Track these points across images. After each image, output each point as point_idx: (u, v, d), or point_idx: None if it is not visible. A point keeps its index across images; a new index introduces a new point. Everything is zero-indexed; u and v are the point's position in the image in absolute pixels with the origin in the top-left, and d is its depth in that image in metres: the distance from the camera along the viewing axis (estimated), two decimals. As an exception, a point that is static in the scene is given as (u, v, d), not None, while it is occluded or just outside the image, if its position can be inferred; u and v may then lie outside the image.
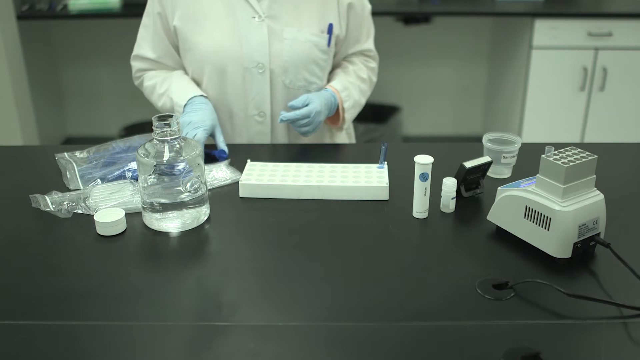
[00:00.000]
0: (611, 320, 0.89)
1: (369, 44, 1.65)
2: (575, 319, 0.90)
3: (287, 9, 1.49)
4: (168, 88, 1.53)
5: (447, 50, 3.73)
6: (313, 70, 1.54)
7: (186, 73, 1.58)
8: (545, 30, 3.13)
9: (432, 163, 1.14)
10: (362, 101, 1.63)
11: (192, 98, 1.48)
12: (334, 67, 1.64)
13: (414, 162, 1.15)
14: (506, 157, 1.32)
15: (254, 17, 1.47)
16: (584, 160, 1.00)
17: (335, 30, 1.53)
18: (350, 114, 1.59)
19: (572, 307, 0.91)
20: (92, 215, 1.14)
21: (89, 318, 0.90)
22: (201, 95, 1.50)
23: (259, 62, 1.48)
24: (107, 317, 0.90)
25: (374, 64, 1.68)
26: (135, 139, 1.49)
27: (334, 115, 1.58)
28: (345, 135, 1.72)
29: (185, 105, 1.47)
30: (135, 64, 1.61)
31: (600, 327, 0.88)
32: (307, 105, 1.44)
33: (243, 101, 1.53)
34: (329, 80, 1.61)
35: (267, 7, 1.48)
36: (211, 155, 1.44)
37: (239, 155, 1.47)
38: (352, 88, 1.58)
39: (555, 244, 1.01)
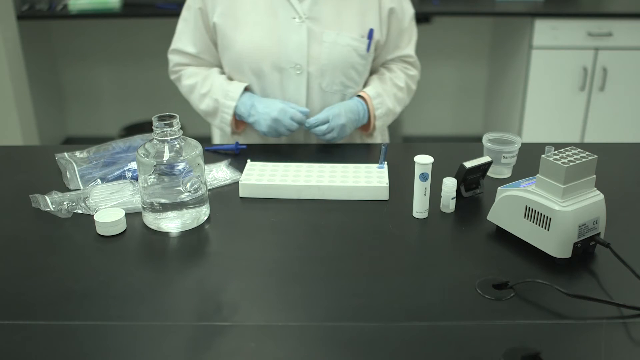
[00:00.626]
0: (611, 320, 0.89)
1: (409, 50, 1.61)
2: (575, 319, 0.90)
3: (328, 12, 1.47)
4: (210, 89, 1.52)
5: (447, 50, 3.73)
6: (350, 75, 1.52)
7: (223, 72, 1.57)
8: (545, 30, 3.13)
9: (432, 163, 1.14)
10: (398, 109, 1.60)
11: (241, 96, 1.49)
12: (372, 72, 1.62)
13: (414, 162, 1.15)
14: (506, 157, 1.32)
15: (295, 18, 1.46)
16: (584, 160, 1.00)
17: (376, 36, 1.51)
18: (382, 122, 1.56)
19: (572, 307, 0.91)
20: (92, 215, 1.14)
21: (89, 318, 0.90)
22: (245, 89, 1.51)
23: (296, 63, 1.47)
24: (107, 317, 0.90)
25: (414, 72, 1.64)
26: (135, 139, 1.49)
27: (367, 123, 1.56)
28: (379, 139, 1.68)
29: (236, 107, 1.49)
30: (174, 58, 1.60)
31: (600, 327, 0.88)
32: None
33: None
34: (364, 86, 1.58)
35: (308, 9, 1.46)
36: (226, 151, 1.48)
37: (239, 155, 1.47)
38: (385, 96, 1.55)
39: (555, 244, 1.01)
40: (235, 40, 1.48)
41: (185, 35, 1.57)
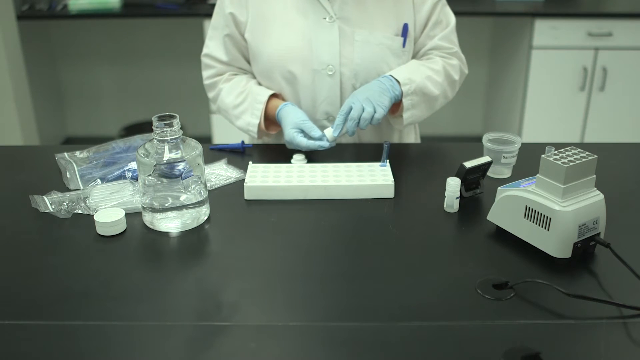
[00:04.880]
0: (611, 320, 0.89)
1: (444, 42, 1.53)
2: (575, 319, 0.90)
3: (359, 11, 1.45)
4: (245, 109, 1.51)
5: (447, 50, 3.72)
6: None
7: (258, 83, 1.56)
8: (545, 30, 3.13)
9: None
10: (433, 91, 1.47)
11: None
12: None
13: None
14: (506, 157, 1.32)
15: (325, 18, 1.44)
16: (584, 160, 1.00)
17: (410, 31, 1.48)
18: (410, 101, 1.44)
19: (572, 307, 0.91)
20: (92, 215, 1.14)
21: (89, 318, 0.90)
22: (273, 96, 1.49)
23: (329, 64, 1.45)
24: (107, 317, 0.90)
25: (455, 62, 1.55)
26: (136, 139, 1.49)
27: (397, 106, 1.47)
28: (412, 136, 1.66)
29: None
30: (207, 61, 1.57)
31: (600, 327, 0.88)
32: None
33: (312, 105, 1.50)
34: None
35: (339, 8, 1.44)
36: (232, 149, 1.49)
37: (245, 154, 1.47)
38: (415, 74, 1.45)
39: (555, 244, 1.01)
40: (265, 44, 1.46)
41: (213, 41, 1.54)
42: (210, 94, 1.59)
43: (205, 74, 1.59)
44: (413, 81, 1.44)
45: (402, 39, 1.48)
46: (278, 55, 1.46)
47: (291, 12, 1.46)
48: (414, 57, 1.56)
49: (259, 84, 1.55)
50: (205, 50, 1.57)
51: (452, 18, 1.56)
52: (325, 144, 1.36)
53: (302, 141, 1.37)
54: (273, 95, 1.50)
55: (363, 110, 1.34)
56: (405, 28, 1.48)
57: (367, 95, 1.37)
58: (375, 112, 1.35)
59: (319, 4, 1.44)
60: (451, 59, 1.55)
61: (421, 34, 1.53)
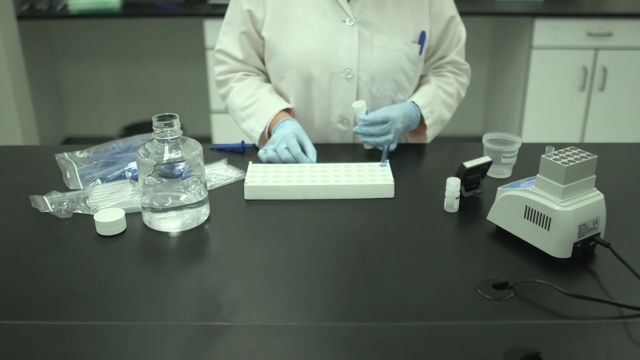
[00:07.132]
0: (611, 320, 0.89)
1: (459, 56, 1.59)
2: (575, 319, 0.90)
3: (379, 16, 1.45)
4: (254, 112, 1.51)
5: (447, 50, 3.73)
6: (401, 81, 1.50)
7: (269, 80, 1.56)
8: (545, 30, 3.13)
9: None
10: (447, 116, 1.58)
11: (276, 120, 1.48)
12: (421, 78, 1.59)
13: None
14: (506, 157, 1.32)
15: (345, 21, 1.44)
16: (584, 160, 1.00)
17: (427, 39, 1.50)
18: (432, 131, 1.54)
19: (572, 307, 0.91)
20: (92, 215, 1.14)
21: (89, 318, 0.90)
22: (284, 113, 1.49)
23: (347, 68, 1.45)
24: (107, 317, 0.90)
25: (464, 79, 1.62)
26: (136, 139, 1.49)
27: (417, 129, 1.55)
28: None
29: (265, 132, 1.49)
30: (220, 57, 1.56)
31: (600, 327, 0.88)
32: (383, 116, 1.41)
33: (327, 107, 1.50)
34: (415, 92, 1.56)
35: (359, 12, 1.44)
36: (231, 149, 1.49)
37: (245, 154, 1.47)
38: (435, 104, 1.52)
39: (555, 244, 1.01)
40: (284, 45, 1.46)
41: (227, 36, 1.54)
42: (221, 90, 1.59)
43: (218, 69, 1.58)
44: (433, 112, 1.52)
45: (419, 46, 1.49)
46: (297, 56, 1.46)
47: (311, 12, 1.45)
48: (428, 67, 1.59)
49: (271, 89, 1.54)
50: (219, 46, 1.56)
51: (464, 32, 1.60)
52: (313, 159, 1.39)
53: (295, 146, 1.38)
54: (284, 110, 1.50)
55: (388, 134, 1.41)
56: (422, 35, 1.49)
57: (404, 127, 1.45)
58: (390, 144, 1.43)
59: (339, 7, 1.44)
60: (462, 76, 1.61)
61: (436, 43, 1.54)
